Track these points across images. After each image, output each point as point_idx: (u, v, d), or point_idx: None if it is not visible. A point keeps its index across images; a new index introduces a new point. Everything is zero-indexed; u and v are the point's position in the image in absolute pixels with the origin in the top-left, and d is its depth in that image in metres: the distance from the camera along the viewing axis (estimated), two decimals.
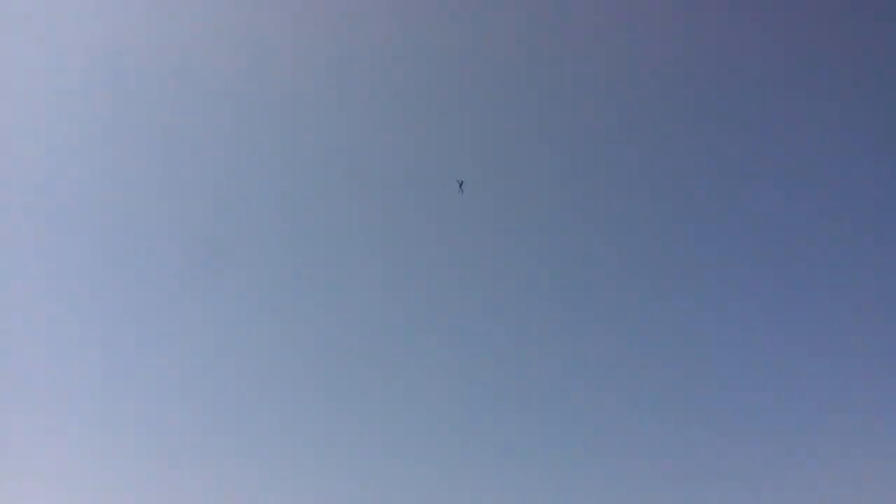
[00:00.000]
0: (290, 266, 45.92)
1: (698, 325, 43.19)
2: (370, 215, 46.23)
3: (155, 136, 45.92)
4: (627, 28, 45.72)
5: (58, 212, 44.19)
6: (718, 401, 40.56)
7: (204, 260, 43.72)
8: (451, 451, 40.46)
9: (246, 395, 41.71)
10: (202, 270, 43.66)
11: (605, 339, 43.78)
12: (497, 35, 46.61)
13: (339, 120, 46.75)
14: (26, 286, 42.17)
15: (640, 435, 39.95)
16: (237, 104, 46.87)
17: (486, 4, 46.26)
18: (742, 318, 42.76)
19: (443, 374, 42.97)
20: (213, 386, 42.04)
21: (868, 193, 42.90)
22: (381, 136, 47.12)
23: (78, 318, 42.88)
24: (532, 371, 42.84)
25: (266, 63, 46.09)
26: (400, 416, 41.35)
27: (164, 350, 42.39)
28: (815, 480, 36.49)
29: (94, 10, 44.56)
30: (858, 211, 42.80)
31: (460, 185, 38.58)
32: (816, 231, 43.24)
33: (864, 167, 43.15)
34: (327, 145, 46.87)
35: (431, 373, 42.97)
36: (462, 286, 45.56)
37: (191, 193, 46.38)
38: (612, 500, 37.37)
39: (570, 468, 39.24)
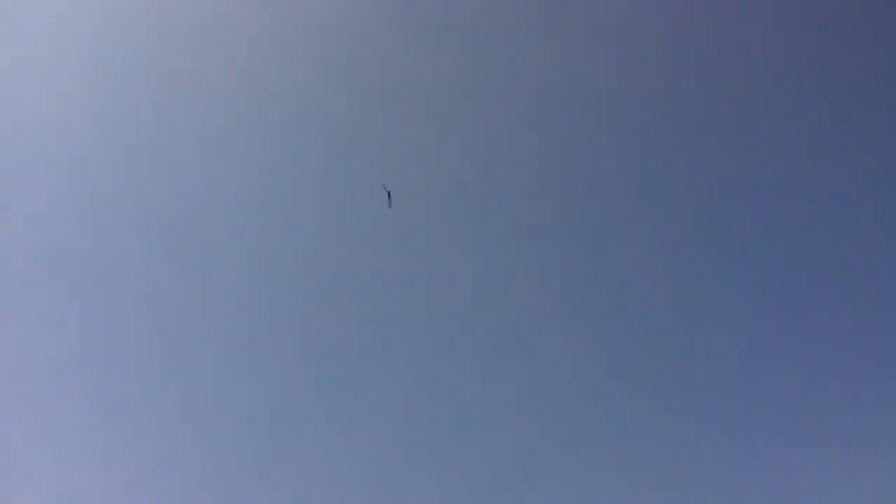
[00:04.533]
0: (289, 266, 45.82)
1: (700, 327, 43.24)
2: (370, 213, 46.13)
3: (150, 132, 45.79)
4: (626, 28, 45.82)
5: (53, 210, 44.05)
6: (720, 401, 40.69)
7: (201, 259, 43.64)
8: (448, 452, 40.51)
9: (245, 396, 41.68)
10: (200, 269, 43.56)
11: (606, 339, 43.84)
12: (492, 35, 46.69)
13: (340, 118, 46.75)
14: (19, 285, 42.04)
15: (641, 435, 40.06)
16: (234, 102, 46.75)
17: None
18: (742, 318, 42.83)
19: (444, 374, 42.97)
20: (212, 385, 41.99)
21: (868, 193, 43.03)
22: (380, 133, 47.15)
23: (72, 316, 42.78)
24: (529, 371, 42.92)
25: (265, 62, 46.03)
26: (402, 416, 41.39)
27: (162, 349, 42.34)
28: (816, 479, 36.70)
29: (89, 7, 44.43)
30: (859, 211, 42.93)
31: (388, 195, 38.23)
32: (818, 231, 43.38)
33: (864, 168, 43.33)
34: (327, 143, 46.87)
35: (432, 371, 42.98)
36: (461, 286, 45.53)
37: (187, 192, 46.21)
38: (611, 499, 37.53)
39: (571, 468, 39.34)
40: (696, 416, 40.14)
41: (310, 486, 38.38)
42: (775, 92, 44.70)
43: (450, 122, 47.35)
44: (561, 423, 40.77)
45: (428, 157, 46.81)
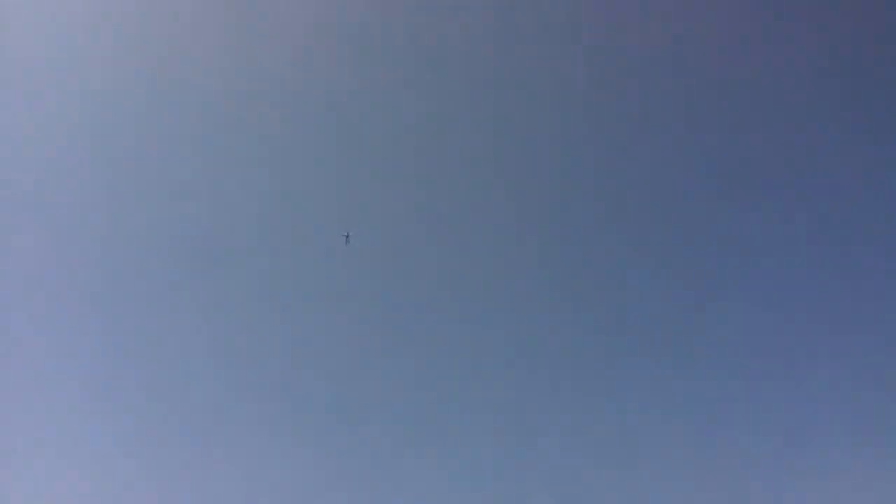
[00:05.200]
0: (289, 265, 45.76)
1: (699, 326, 43.07)
2: (369, 214, 46.14)
3: (151, 133, 45.74)
4: (626, 26, 45.74)
5: (53, 211, 44.02)
6: (721, 400, 40.58)
7: (201, 258, 43.58)
8: (450, 453, 40.40)
9: (245, 396, 41.61)
10: (200, 269, 43.51)
11: (604, 338, 43.69)
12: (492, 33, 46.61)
13: (338, 117, 46.73)
14: (19, 285, 41.99)
15: (640, 435, 39.93)
16: (233, 102, 46.70)
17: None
18: (743, 315, 42.69)
19: (442, 375, 42.85)
20: (212, 386, 41.93)
21: (869, 193, 42.90)
22: (378, 132, 47.13)
23: (73, 316, 42.71)
24: (527, 372, 42.81)
25: (264, 61, 46.02)
26: (402, 416, 41.25)
27: (162, 350, 42.29)
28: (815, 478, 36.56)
29: (87, 7, 44.42)
30: (859, 211, 42.80)
31: (346, 237, 38.89)
32: (818, 229, 43.25)
33: (864, 167, 43.21)
34: (325, 141, 46.84)
35: (430, 372, 42.88)
36: (461, 286, 45.41)
37: (188, 192, 46.18)
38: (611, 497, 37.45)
39: (570, 468, 39.24)
40: (697, 419, 40.10)
41: (309, 486, 38.34)
42: (776, 92, 44.66)
43: (451, 119, 47.43)
44: (557, 423, 40.77)
45: (429, 152, 46.90)
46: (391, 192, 46.52)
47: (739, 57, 45.06)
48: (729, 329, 42.21)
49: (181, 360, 42.15)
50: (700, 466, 38.26)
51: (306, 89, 46.87)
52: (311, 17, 45.88)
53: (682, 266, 44.26)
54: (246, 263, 44.87)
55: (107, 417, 39.72)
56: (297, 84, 46.70)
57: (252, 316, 44.07)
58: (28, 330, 40.82)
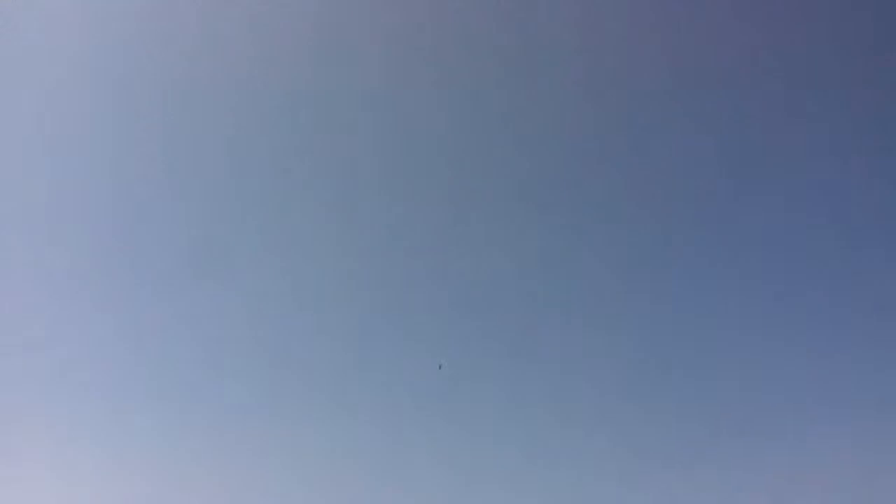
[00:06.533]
0: (288, 267, 45.85)
1: (698, 324, 43.20)
2: (367, 214, 46.24)
3: (152, 135, 45.81)
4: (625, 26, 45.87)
5: (54, 211, 44.06)
6: (720, 400, 40.68)
7: (201, 260, 43.66)
8: (450, 451, 40.50)
9: (245, 396, 41.69)
10: (200, 271, 43.58)
11: (605, 337, 43.88)
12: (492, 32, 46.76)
13: (339, 117, 46.83)
14: (21, 286, 42.04)
15: (639, 434, 40.04)
16: (235, 103, 46.78)
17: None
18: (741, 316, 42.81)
19: (441, 375, 42.89)
20: (213, 386, 41.99)
21: (868, 193, 43.01)
22: (376, 133, 47.25)
23: (75, 317, 42.75)
24: (528, 372, 42.93)
25: (265, 63, 46.08)
26: (402, 416, 41.33)
27: (164, 350, 42.37)
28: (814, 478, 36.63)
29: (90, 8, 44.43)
30: (858, 211, 42.91)
31: (440, 366, 39.79)
32: (817, 229, 43.38)
33: (863, 167, 43.32)
34: (324, 141, 46.98)
35: (430, 372, 42.97)
36: (461, 286, 45.54)
37: (188, 193, 46.26)
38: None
39: (569, 467, 39.33)
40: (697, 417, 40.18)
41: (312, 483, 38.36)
42: (778, 93, 44.78)
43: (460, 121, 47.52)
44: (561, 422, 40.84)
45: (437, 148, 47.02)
46: (392, 193, 46.64)
47: (743, 52, 45.19)
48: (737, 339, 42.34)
49: (181, 360, 42.28)
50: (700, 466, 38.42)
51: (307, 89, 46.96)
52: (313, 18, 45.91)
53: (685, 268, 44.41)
54: (247, 263, 44.97)
55: (107, 417, 39.79)
56: (298, 84, 46.79)
57: (253, 316, 44.20)
58: (29, 329, 40.88)
